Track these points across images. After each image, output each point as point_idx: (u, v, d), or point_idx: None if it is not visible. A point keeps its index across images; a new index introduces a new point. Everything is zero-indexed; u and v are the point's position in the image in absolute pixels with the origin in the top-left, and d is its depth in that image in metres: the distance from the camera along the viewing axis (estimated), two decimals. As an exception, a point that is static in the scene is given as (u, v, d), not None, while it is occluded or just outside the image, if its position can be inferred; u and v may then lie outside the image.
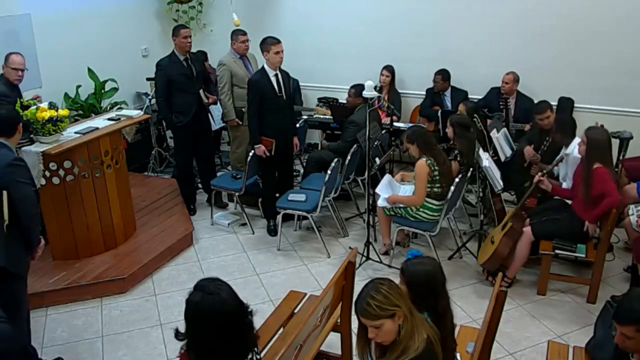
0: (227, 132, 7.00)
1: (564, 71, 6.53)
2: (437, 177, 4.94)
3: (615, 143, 5.88)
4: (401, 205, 5.06)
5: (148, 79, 7.35)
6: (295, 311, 3.86)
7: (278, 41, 5.45)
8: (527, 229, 4.71)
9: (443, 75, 6.90)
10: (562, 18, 6.40)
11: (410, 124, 6.78)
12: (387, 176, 5.40)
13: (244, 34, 6.38)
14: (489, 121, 5.92)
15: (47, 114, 4.61)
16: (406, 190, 5.23)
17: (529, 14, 6.54)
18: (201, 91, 6.05)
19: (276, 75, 5.55)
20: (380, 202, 5.17)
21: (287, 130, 5.82)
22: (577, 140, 5.05)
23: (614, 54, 6.26)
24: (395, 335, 2.40)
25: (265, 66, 5.54)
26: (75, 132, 5.02)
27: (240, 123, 6.48)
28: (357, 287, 3.76)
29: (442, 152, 5.10)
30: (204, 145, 6.34)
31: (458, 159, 5.20)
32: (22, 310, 3.68)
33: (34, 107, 4.64)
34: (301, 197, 5.55)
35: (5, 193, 3.42)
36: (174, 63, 5.91)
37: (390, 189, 5.23)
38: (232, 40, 6.42)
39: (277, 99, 5.56)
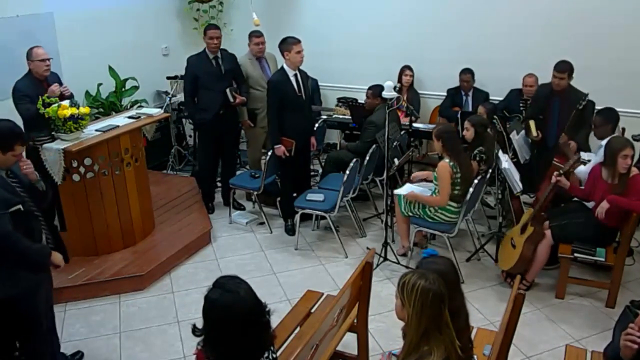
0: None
1: (585, 74, 6.42)
2: (458, 180, 4.91)
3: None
4: (420, 205, 5.05)
5: (168, 78, 7.40)
6: (312, 311, 3.86)
7: (298, 41, 5.46)
8: (547, 232, 4.67)
9: (472, 73, 6.84)
10: (582, 14, 6.30)
11: (429, 125, 6.75)
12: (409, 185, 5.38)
13: (259, 35, 6.34)
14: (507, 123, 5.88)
15: (69, 112, 4.66)
16: (421, 190, 5.20)
17: (550, 12, 6.44)
18: (228, 90, 5.97)
19: (295, 75, 5.56)
20: (397, 191, 5.17)
21: (307, 130, 5.84)
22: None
23: None
24: None
25: (285, 66, 5.54)
26: (96, 130, 5.07)
27: (252, 125, 6.49)
28: (375, 288, 3.77)
29: (467, 157, 5.06)
30: (227, 145, 6.33)
31: (477, 158, 5.16)
32: (42, 325, 3.50)
33: (56, 104, 4.69)
34: (319, 197, 5.55)
35: None
36: (201, 60, 5.97)
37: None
38: (248, 41, 6.42)
39: (297, 98, 5.57)
